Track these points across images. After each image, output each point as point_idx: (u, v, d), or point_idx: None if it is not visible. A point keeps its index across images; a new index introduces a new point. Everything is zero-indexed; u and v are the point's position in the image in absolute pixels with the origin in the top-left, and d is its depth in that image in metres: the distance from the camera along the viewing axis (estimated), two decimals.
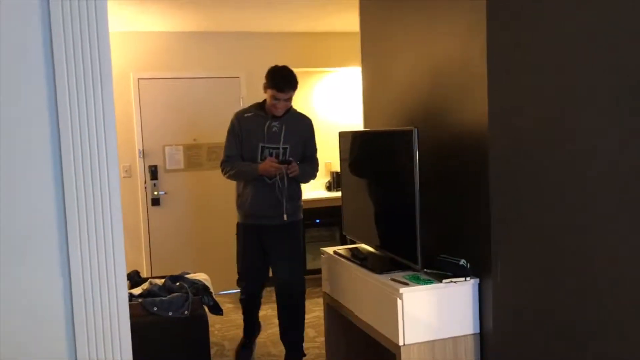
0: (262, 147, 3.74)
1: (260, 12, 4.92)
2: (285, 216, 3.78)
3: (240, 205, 3.90)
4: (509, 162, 2.53)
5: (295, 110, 3.89)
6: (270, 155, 3.73)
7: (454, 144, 2.75)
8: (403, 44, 3.19)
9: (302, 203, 3.98)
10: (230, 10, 4.86)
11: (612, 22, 2.60)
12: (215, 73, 5.80)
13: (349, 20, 5.27)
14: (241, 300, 4.15)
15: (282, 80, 3.64)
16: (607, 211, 2.64)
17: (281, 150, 3.74)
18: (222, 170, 3.84)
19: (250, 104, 3.95)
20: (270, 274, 4.04)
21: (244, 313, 4.19)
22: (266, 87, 3.70)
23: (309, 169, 3.93)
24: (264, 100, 3.79)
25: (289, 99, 3.72)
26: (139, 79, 5.57)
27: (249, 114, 3.80)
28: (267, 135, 3.73)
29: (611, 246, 2.66)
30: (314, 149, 3.96)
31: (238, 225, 4.01)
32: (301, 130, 3.86)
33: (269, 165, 3.64)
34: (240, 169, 3.75)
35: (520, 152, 2.55)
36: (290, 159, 3.71)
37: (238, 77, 5.84)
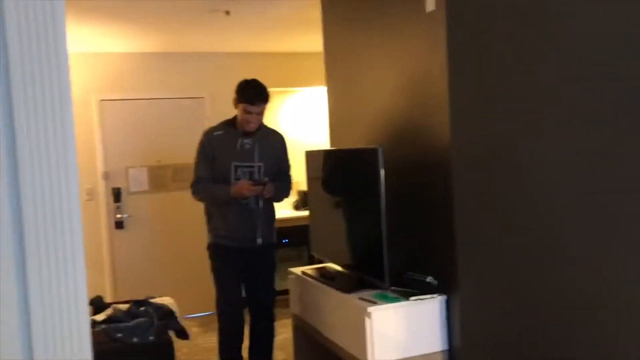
0: (235, 166, 3.50)
1: (224, 33, 4.92)
2: (260, 239, 3.57)
3: (212, 228, 3.68)
4: (473, 180, 2.56)
5: (266, 126, 3.69)
6: (245, 174, 3.50)
7: (418, 162, 2.77)
8: (367, 63, 3.22)
9: (275, 225, 3.79)
10: (194, 31, 4.85)
11: (571, 40, 2.67)
12: (180, 93, 5.75)
13: (313, 41, 5.30)
14: (222, 329, 3.74)
15: (253, 93, 3.47)
16: (570, 227, 2.69)
17: (256, 169, 3.51)
18: (193, 193, 3.63)
19: (218, 122, 3.75)
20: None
21: (224, 345, 3.76)
22: (237, 101, 3.51)
23: (284, 186, 3.72)
24: (234, 117, 3.59)
25: (261, 113, 3.53)
26: (101, 100, 5.49)
27: (219, 132, 3.58)
28: (239, 154, 3.50)
29: (576, 262, 2.70)
30: (287, 165, 3.77)
31: (210, 246, 3.73)
32: (275, 146, 3.66)
33: (245, 188, 3.41)
34: (211, 191, 3.54)
35: (484, 170, 2.58)
36: (266, 179, 3.49)
37: (203, 98, 5.80)
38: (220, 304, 3.77)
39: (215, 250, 3.69)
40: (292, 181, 3.81)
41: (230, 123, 3.59)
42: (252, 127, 3.52)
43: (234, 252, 3.61)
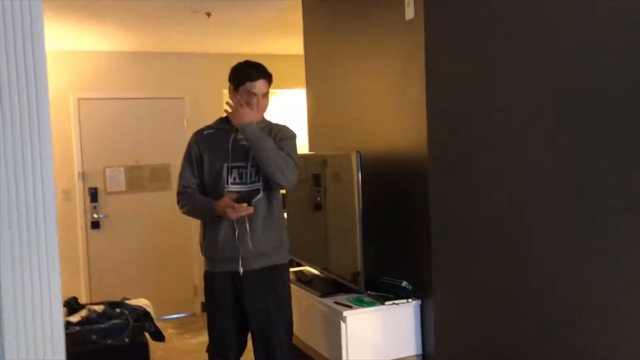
0: (228, 167, 2.78)
1: (204, 34, 4.91)
2: (253, 258, 2.72)
3: (204, 247, 2.84)
4: (449, 186, 2.59)
5: (270, 122, 2.91)
6: (241, 177, 2.76)
7: (396, 168, 2.80)
8: (346, 68, 3.24)
9: (285, 240, 2.84)
10: (174, 32, 4.83)
11: (546, 45, 2.72)
12: (159, 94, 5.72)
13: (293, 44, 5.32)
14: None
15: (251, 68, 2.81)
16: (544, 234, 2.73)
17: (249, 171, 2.75)
18: (178, 204, 2.91)
19: (212, 122, 2.98)
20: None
21: None
22: (234, 88, 2.82)
23: (279, 154, 2.72)
24: None
25: (266, 95, 2.82)
26: (79, 99, 5.44)
27: (210, 131, 2.89)
28: (232, 153, 2.77)
29: (550, 269, 2.74)
30: (291, 153, 2.79)
31: (204, 275, 2.90)
32: (273, 137, 2.81)
33: (227, 206, 2.66)
34: (196, 205, 2.82)
35: (460, 176, 2.62)
36: (256, 197, 2.72)
37: (182, 98, 5.78)
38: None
39: (209, 281, 2.88)
40: (292, 164, 2.76)
41: (226, 119, 2.88)
42: (256, 116, 2.78)
43: (234, 279, 2.77)
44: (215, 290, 2.80)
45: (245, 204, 2.63)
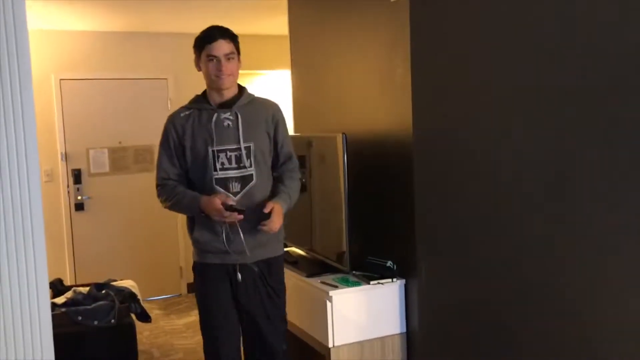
0: (214, 152, 2.49)
1: (189, 13, 4.86)
2: (247, 251, 2.51)
3: (195, 238, 2.60)
4: (434, 167, 2.62)
5: (253, 95, 2.66)
6: (230, 161, 2.50)
7: (381, 149, 2.81)
8: (332, 50, 3.24)
9: (281, 230, 2.62)
10: (158, 11, 4.78)
11: (534, 30, 2.74)
12: (142, 74, 5.67)
13: (278, 24, 5.29)
14: None
15: (210, 30, 2.53)
16: (529, 215, 2.77)
17: (244, 152, 2.50)
18: (158, 198, 2.64)
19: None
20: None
21: None
22: (197, 56, 2.58)
23: (292, 187, 2.62)
24: (205, 91, 2.63)
25: (232, 55, 2.50)
26: (61, 79, 5.37)
27: (187, 112, 2.58)
28: (217, 134, 2.50)
29: (534, 249, 2.79)
30: (288, 144, 2.66)
31: (194, 266, 2.67)
32: (266, 117, 2.59)
33: (215, 208, 2.42)
34: (179, 201, 2.54)
35: (445, 158, 2.64)
36: (243, 208, 2.44)
37: (166, 79, 5.73)
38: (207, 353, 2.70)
39: (200, 273, 2.65)
40: (299, 172, 2.71)
41: (201, 98, 2.62)
42: (225, 81, 2.51)
43: (229, 271, 2.57)
44: (208, 283, 2.57)
45: (236, 213, 2.40)
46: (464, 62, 2.65)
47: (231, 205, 2.41)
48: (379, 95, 2.81)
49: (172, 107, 5.64)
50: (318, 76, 3.42)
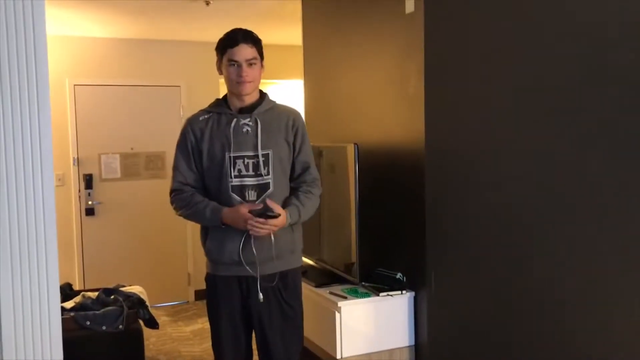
0: (230, 158, 2.39)
1: (202, 22, 4.89)
2: (258, 262, 2.37)
3: (208, 249, 2.48)
4: (445, 179, 2.61)
5: (274, 102, 2.55)
6: (247, 168, 2.39)
7: (393, 160, 2.81)
8: (345, 60, 3.24)
9: (299, 241, 2.54)
10: (172, 19, 4.81)
11: (545, 41, 2.73)
12: (155, 81, 5.70)
13: (292, 34, 5.31)
14: None
15: (233, 34, 2.46)
16: (539, 227, 2.76)
17: (261, 160, 2.39)
18: (172, 204, 2.51)
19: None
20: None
21: None
22: (219, 60, 2.50)
23: (307, 202, 2.46)
24: (226, 95, 2.55)
25: (255, 61, 2.44)
26: (75, 85, 5.42)
27: (206, 115, 2.49)
28: (235, 140, 2.39)
29: (542, 261, 2.77)
30: (309, 159, 2.53)
31: (206, 278, 2.55)
32: (286, 123, 2.47)
33: (243, 219, 2.30)
34: (197, 211, 2.42)
35: (456, 170, 2.63)
36: (278, 213, 2.31)
37: (179, 86, 5.76)
38: None
39: (213, 286, 2.52)
40: (318, 181, 2.55)
41: (222, 102, 2.53)
42: (246, 87, 2.42)
43: (241, 285, 2.45)
44: (220, 296, 2.46)
45: (272, 218, 2.27)
46: (478, 74, 2.65)
47: (262, 212, 2.27)
48: (391, 106, 2.81)
49: (185, 114, 5.67)
50: (331, 86, 3.43)
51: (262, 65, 2.49)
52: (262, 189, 2.39)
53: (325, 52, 3.49)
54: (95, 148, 5.52)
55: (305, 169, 2.49)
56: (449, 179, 2.62)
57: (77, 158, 5.46)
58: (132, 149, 5.64)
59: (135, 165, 5.69)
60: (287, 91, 6.43)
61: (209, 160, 2.44)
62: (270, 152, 2.40)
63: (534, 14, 2.71)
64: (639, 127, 2.81)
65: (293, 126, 2.48)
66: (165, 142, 5.68)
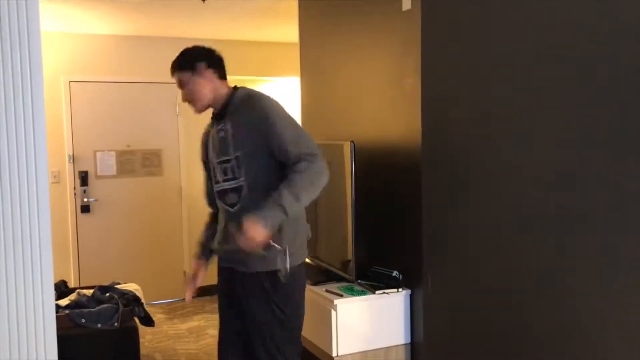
0: (214, 165, 2.42)
1: (198, 19, 4.87)
2: (248, 263, 2.30)
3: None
4: (441, 176, 2.61)
5: (244, 95, 2.39)
6: (222, 175, 2.37)
7: (389, 159, 2.81)
8: (342, 58, 3.24)
9: (295, 240, 2.34)
10: (169, 16, 4.80)
11: (543, 40, 2.73)
12: (151, 78, 5.69)
13: (288, 31, 5.30)
14: None
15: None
16: (534, 227, 2.76)
17: (235, 163, 2.32)
18: None
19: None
20: None
21: None
22: None
23: (290, 182, 2.16)
24: None
25: (184, 82, 2.45)
26: (70, 81, 5.40)
27: (208, 126, 2.55)
28: (216, 147, 2.40)
29: (539, 259, 2.77)
30: (281, 136, 2.22)
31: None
32: (252, 116, 2.28)
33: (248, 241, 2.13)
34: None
35: (452, 169, 2.63)
36: (278, 246, 2.23)
37: (174, 83, 5.75)
38: None
39: (218, 274, 2.55)
40: (309, 159, 2.20)
41: None
42: (193, 106, 2.44)
43: (232, 278, 2.41)
44: (219, 286, 2.50)
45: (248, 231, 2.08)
46: (475, 72, 2.65)
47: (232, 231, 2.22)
48: (388, 104, 2.81)
49: (180, 112, 5.66)
50: (327, 84, 3.42)
51: (198, 75, 2.43)
52: (238, 191, 2.32)
53: (321, 50, 3.49)
54: (90, 145, 5.50)
55: (284, 151, 2.22)
56: (445, 176, 2.62)
57: (73, 155, 5.44)
58: (128, 146, 5.63)
59: (131, 162, 5.67)
60: (284, 89, 6.42)
61: (206, 169, 2.52)
62: (240, 153, 2.29)
63: (532, 10, 2.70)
64: None
65: (256, 115, 2.28)
66: (162, 139, 5.67)
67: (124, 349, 3.43)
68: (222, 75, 2.45)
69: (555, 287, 2.81)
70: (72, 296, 3.70)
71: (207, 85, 2.40)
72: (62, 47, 5.36)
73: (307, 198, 2.18)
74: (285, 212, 2.12)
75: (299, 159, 2.19)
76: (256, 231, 2.08)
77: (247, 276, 2.31)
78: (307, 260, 3.21)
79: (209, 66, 2.43)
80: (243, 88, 2.42)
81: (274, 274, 2.26)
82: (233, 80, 2.66)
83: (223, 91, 2.41)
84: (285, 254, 2.23)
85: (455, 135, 2.63)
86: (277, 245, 2.19)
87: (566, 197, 2.81)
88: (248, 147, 2.28)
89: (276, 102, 2.32)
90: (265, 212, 2.11)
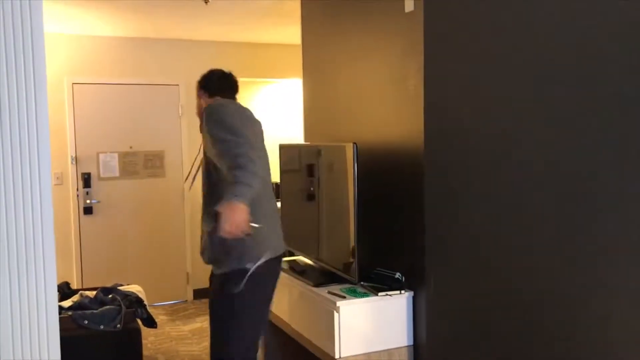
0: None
1: (201, 20, 4.88)
2: (211, 263, 2.52)
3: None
4: (444, 178, 2.60)
5: (212, 104, 2.51)
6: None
7: (392, 160, 2.80)
8: (344, 59, 3.23)
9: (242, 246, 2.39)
10: (171, 18, 4.80)
11: (546, 40, 2.72)
12: (154, 80, 5.70)
13: (290, 33, 5.30)
14: None
15: None
16: (538, 227, 2.75)
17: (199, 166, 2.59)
18: None
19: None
20: None
21: None
22: None
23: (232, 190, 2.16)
24: None
25: (197, 98, 2.74)
26: (73, 83, 5.41)
27: None
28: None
29: (540, 261, 2.77)
30: (211, 150, 2.35)
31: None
32: (206, 123, 2.39)
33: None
34: None
35: (456, 170, 2.63)
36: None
37: (177, 85, 5.76)
38: None
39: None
40: (234, 166, 2.21)
41: None
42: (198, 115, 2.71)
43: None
44: None
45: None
46: (478, 73, 2.64)
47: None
48: (391, 106, 2.80)
49: (183, 113, 5.67)
50: (330, 85, 3.42)
51: (202, 93, 2.71)
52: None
53: (324, 51, 3.48)
54: (93, 147, 5.51)
55: (215, 166, 2.39)
56: (448, 178, 2.61)
57: (76, 157, 5.45)
58: (130, 147, 5.63)
59: (133, 164, 5.67)
60: (286, 90, 6.42)
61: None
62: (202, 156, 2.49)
63: (534, 12, 2.70)
64: None
65: (207, 124, 2.37)
66: (164, 141, 5.68)
67: (126, 351, 3.43)
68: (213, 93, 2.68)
69: (557, 289, 2.80)
70: (75, 298, 3.71)
71: (202, 100, 2.71)
72: (66, 49, 5.37)
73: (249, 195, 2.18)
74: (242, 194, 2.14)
75: (228, 171, 2.23)
76: (235, 209, 2.09)
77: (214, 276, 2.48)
78: (309, 261, 3.20)
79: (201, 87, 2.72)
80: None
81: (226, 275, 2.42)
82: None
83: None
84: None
85: (458, 136, 2.62)
86: (255, 225, 2.20)
87: (567, 198, 2.80)
88: (206, 154, 2.46)
89: (216, 114, 2.37)
90: (228, 196, 2.13)
